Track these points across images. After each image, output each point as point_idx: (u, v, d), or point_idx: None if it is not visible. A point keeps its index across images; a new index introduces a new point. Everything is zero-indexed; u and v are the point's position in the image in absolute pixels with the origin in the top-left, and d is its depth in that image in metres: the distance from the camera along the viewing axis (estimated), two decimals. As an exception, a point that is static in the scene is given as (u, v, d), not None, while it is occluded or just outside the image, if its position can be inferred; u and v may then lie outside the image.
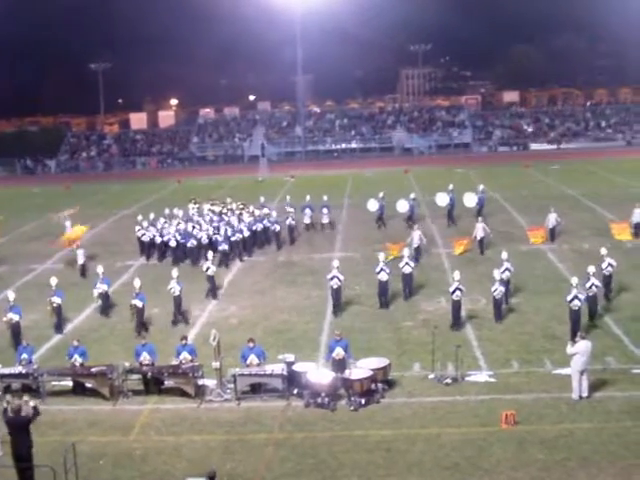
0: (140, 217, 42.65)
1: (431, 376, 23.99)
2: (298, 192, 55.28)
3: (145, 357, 23.87)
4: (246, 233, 41.04)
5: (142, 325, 29.68)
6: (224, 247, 38.57)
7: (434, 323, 27.93)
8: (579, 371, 21.84)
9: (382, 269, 30.90)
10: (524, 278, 33.64)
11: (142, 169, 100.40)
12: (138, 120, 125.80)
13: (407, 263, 31.68)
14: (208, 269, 33.30)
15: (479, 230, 38.99)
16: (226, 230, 40.21)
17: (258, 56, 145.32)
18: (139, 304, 29.32)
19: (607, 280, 30.13)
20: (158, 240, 40.82)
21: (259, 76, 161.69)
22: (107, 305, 32.03)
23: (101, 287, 31.71)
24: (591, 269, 28.01)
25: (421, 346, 26.40)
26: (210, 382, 23.68)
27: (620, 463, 18.42)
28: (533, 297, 31.15)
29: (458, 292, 28.37)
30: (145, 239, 41.25)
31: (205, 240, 39.70)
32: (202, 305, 32.54)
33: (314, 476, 18.61)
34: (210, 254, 34.59)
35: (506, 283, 29.95)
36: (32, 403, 18.55)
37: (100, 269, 32.50)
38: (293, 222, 44.16)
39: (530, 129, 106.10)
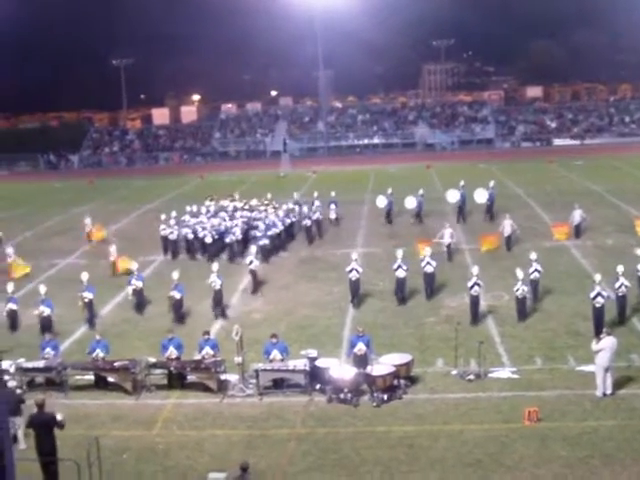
0: (164, 216, 42.48)
1: (454, 372, 23.94)
2: (320, 188, 55.24)
3: (172, 352, 23.93)
4: (280, 227, 41.26)
5: (180, 317, 30.11)
6: (265, 242, 38.52)
7: (457, 319, 27.83)
8: (604, 368, 21.72)
9: (400, 266, 30.80)
10: (547, 274, 33.41)
11: (165, 164, 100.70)
12: (160, 115, 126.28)
13: (429, 262, 31.26)
14: (251, 263, 33.54)
15: (506, 227, 38.78)
16: (267, 225, 40.46)
17: (280, 52, 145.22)
18: (177, 295, 29.78)
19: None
20: (190, 237, 40.55)
21: (281, 72, 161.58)
22: (141, 302, 31.95)
23: (136, 284, 31.64)
24: (620, 268, 27.42)
25: (444, 342, 26.34)
26: (232, 377, 23.71)
27: (644, 461, 18.33)
28: (556, 294, 30.98)
29: (477, 287, 28.35)
30: (172, 237, 40.84)
31: (239, 236, 39.70)
32: (226, 300, 32.54)
33: (336, 471, 18.63)
34: (253, 248, 35.00)
35: (535, 284, 29.88)
36: (59, 417, 18.41)
37: (135, 265, 32.80)
38: (321, 217, 44.44)
39: (553, 124, 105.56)
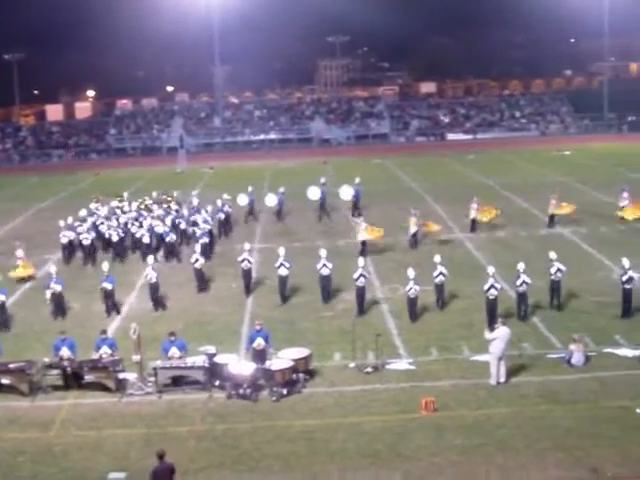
0: (62, 223, 40.15)
1: (352, 365, 24.21)
2: (217, 183, 55.10)
3: (65, 352, 23.59)
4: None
5: (114, 306, 30.23)
6: (205, 240, 37.53)
7: (354, 313, 28.20)
8: (497, 357, 22.29)
9: (282, 264, 30.73)
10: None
11: (59, 161, 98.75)
12: (54, 112, 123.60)
13: (325, 265, 30.52)
14: (197, 261, 32.99)
15: (412, 225, 38.82)
16: (176, 222, 40.22)
17: (176, 47, 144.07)
18: (109, 287, 29.84)
19: (556, 286, 28.60)
20: (116, 238, 39.12)
21: (177, 67, 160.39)
22: (61, 306, 30.70)
23: (54, 287, 30.44)
24: (521, 266, 27.62)
25: (341, 335, 26.62)
26: (131, 376, 23.47)
27: (536, 446, 18.89)
28: (451, 286, 31.50)
29: (362, 279, 28.74)
30: (86, 242, 38.72)
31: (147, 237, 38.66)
32: (122, 299, 32.20)
33: (237, 467, 18.66)
34: (198, 247, 34.35)
35: (441, 287, 29.19)
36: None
37: (53, 269, 31.56)
38: (230, 210, 44.53)
39: (447, 119, 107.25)
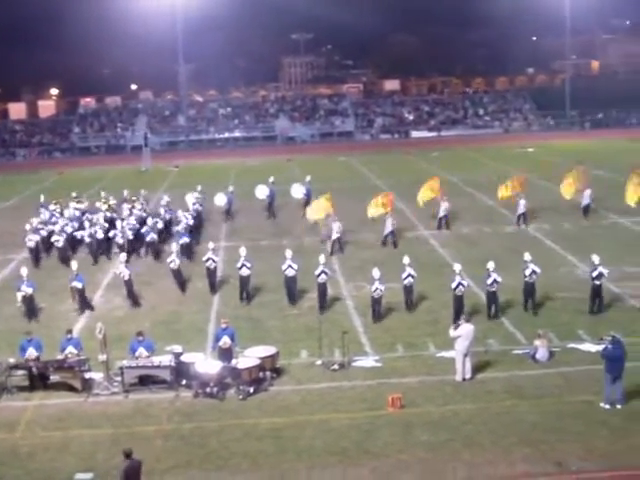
0: (28, 226, 39.46)
1: (318, 363, 24.26)
2: (182, 182, 54.95)
3: (31, 352, 23.41)
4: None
5: (86, 304, 30.21)
6: (185, 239, 37.22)
7: (321, 310, 28.28)
8: (463, 353, 22.44)
9: (243, 264, 30.43)
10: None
11: (22, 160, 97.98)
12: (17, 110, 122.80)
13: (290, 265, 30.13)
14: (172, 262, 32.63)
15: (388, 225, 38.81)
16: (155, 221, 39.64)
17: (140, 45, 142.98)
18: (79, 285, 29.79)
19: (530, 288, 28.15)
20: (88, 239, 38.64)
21: (141, 65, 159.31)
22: (32, 309, 30.13)
23: (25, 290, 29.96)
24: (491, 265, 27.55)
25: (308, 333, 26.66)
26: (97, 376, 23.36)
27: (502, 442, 19.04)
28: (417, 283, 31.59)
29: (324, 275, 28.86)
30: (59, 244, 38.17)
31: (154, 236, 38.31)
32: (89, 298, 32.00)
33: (204, 466, 18.64)
34: (174, 246, 33.98)
35: (409, 289, 28.76)
36: None
37: (24, 271, 30.90)
38: (201, 207, 44.67)
39: (411, 117, 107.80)
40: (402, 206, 48.01)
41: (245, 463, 18.65)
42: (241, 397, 22.04)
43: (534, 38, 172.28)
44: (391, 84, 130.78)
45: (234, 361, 22.78)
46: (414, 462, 18.36)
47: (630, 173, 43.01)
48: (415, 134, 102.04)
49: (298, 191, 47.96)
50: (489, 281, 27.39)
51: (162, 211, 43.08)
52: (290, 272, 30.10)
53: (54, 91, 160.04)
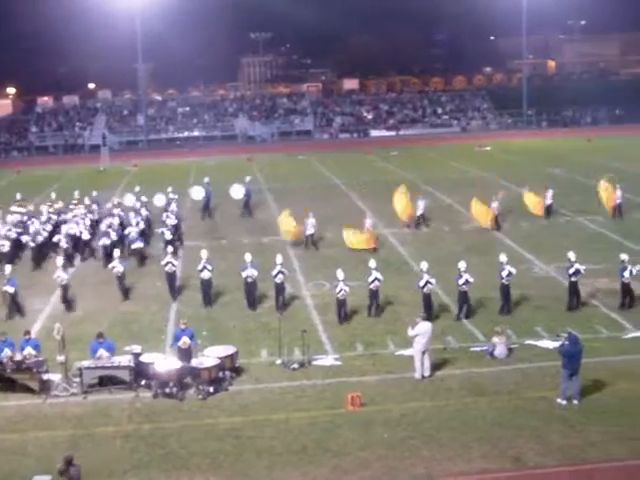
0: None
1: (278, 362, 24.28)
2: (141, 181, 54.67)
3: (7, 353, 23.16)
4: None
5: (18, 309, 29.79)
6: (139, 245, 36.64)
7: (280, 309, 28.28)
8: (421, 351, 22.58)
9: (204, 267, 29.80)
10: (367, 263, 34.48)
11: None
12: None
13: (249, 272, 29.42)
14: (168, 264, 31.42)
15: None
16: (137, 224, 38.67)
17: (97, 44, 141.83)
18: (10, 290, 29.40)
19: (506, 290, 28.00)
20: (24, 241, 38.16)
21: (99, 64, 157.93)
22: (12, 308, 29.84)
23: (8, 289, 29.71)
24: (462, 265, 27.54)
25: (267, 332, 26.69)
26: (55, 377, 23.19)
27: (461, 438, 19.20)
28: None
29: (280, 275, 28.81)
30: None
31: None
32: (44, 299, 31.78)
33: (164, 466, 18.59)
34: (170, 249, 32.81)
35: (375, 293, 28.10)
36: None
37: (8, 269, 30.80)
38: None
39: (370, 116, 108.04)
40: (361, 204, 48.14)
41: (205, 463, 18.64)
42: (201, 397, 22.01)
43: (492, 38, 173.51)
44: (350, 83, 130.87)
45: (193, 361, 22.74)
46: (374, 459, 18.47)
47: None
48: (374, 133, 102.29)
49: (238, 191, 47.63)
50: (461, 281, 27.36)
51: (142, 210, 41.83)
52: (250, 277, 29.46)
53: (11, 90, 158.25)
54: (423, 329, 22.72)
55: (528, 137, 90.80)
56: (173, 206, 42.51)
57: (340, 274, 27.57)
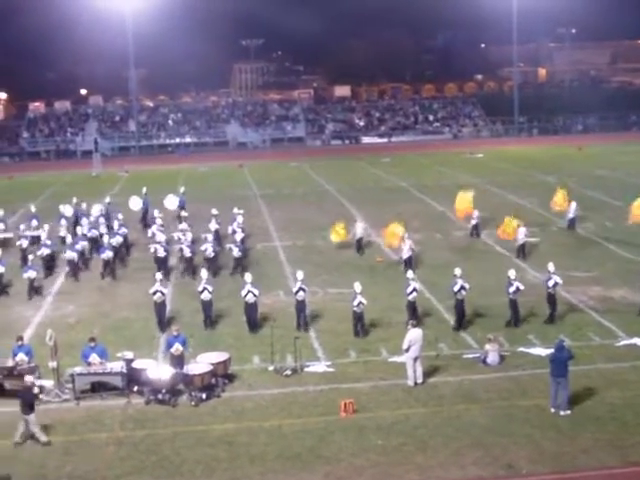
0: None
1: (271, 368, 24.29)
2: (133, 187, 54.65)
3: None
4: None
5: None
6: (109, 254, 35.69)
7: (272, 316, 28.25)
8: (413, 358, 22.62)
9: (205, 288, 28.52)
10: (359, 267, 34.50)
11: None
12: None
13: (250, 291, 28.07)
14: (156, 293, 28.78)
15: (359, 229, 38.89)
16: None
17: (89, 49, 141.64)
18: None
19: (514, 305, 27.63)
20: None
21: (91, 70, 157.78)
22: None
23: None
24: (458, 271, 27.57)
25: (260, 339, 26.67)
26: (48, 383, 23.15)
27: (453, 445, 19.23)
28: (368, 287, 31.59)
29: (302, 292, 27.84)
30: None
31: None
32: (37, 304, 31.75)
33: (157, 473, 18.58)
34: (158, 275, 30.07)
35: (359, 315, 26.89)
36: None
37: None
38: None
39: (361, 123, 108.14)
40: (354, 211, 48.15)
41: (198, 469, 18.63)
42: (193, 403, 22.00)
43: (483, 45, 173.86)
44: (342, 90, 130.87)
45: (186, 367, 22.72)
46: (367, 466, 18.49)
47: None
48: (366, 140, 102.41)
49: (172, 202, 46.35)
50: (456, 288, 27.25)
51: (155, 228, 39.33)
52: (250, 298, 28.05)
53: (2, 95, 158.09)
54: (413, 336, 22.77)
55: (519, 144, 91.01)
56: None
57: (357, 287, 26.93)
